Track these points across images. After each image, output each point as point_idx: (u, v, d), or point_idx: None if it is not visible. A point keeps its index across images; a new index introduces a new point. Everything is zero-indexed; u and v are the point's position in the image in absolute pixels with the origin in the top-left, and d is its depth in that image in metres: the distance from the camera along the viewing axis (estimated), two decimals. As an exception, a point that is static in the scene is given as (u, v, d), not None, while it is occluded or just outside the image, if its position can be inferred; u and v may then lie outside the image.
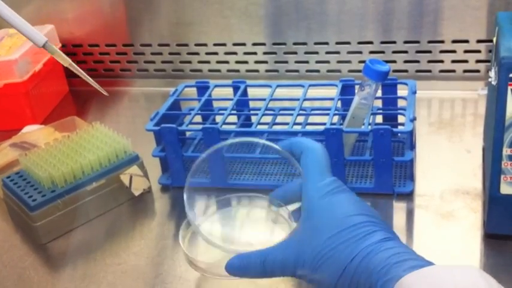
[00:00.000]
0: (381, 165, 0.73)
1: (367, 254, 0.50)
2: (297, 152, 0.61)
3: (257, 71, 1.11)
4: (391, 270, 0.48)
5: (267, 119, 0.85)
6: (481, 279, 0.44)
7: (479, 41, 0.99)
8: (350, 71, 1.06)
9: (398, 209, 0.74)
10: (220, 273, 0.61)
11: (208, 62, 1.12)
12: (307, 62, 1.08)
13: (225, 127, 0.80)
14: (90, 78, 0.68)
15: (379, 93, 0.83)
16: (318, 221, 0.55)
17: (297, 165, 0.61)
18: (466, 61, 1.01)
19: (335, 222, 0.54)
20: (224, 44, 1.10)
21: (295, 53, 1.08)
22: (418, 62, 1.03)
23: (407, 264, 0.48)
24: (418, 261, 0.49)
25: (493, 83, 0.63)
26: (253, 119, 0.87)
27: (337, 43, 1.05)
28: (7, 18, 0.62)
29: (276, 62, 1.09)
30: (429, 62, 1.03)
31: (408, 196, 0.75)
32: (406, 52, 1.03)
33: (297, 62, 1.08)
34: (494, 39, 0.68)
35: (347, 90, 0.85)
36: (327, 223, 0.54)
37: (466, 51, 1.00)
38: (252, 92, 0.90)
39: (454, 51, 1.01)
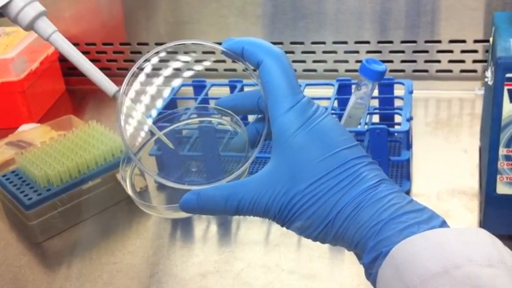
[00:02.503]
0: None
1: (356, 206, 0.43)
2: (253, 59, 0.47)
3: (254, 70, 1.10)
4: (384, 229, 0.41)
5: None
6: (493, 248, 0.39)
7: (476, 41, 0.99)
8: (347, 70, 1.06)
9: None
10: (174, 213, 0.51)
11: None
12: (304, 61, 1.08)
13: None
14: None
15: (376, 92, 0.83)
16: (297, 159, 0.45)
17: (252, 73, 0.48)
18: (463, 61, 1.01)
19: (319, 162, 0.44)
20: (221, 43, 1.10)
21: (293, 52, 1.08)
22: (415, 61, 1.03)
23: (403, 221, 0.41)
24: (415, 213, 0.42)
25: (489, 83, 0.63)
26: (250, 118, 0.86)
27: (334, 43, 1.05)
28: (77, 63, 0.57)
29: (273, 61, 1.09)
30: (426, 61, 1.02)
31: (404, 196, 0.75)
32: (403, 52, 1.03)
33: (294, 61, 1.08)
34: (491, 40, 0.68)
35: (344, 90, 0.84)
36: (309, 163, 0.44)
37: (463, 51, 1.00)
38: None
39: (451, 51, 1.01)
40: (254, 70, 0.47)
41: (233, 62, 1.02)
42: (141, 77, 0.51)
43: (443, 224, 0.42)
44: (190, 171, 0.62)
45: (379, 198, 0.42)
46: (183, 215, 0.50)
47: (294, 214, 0.44)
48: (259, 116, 0.49)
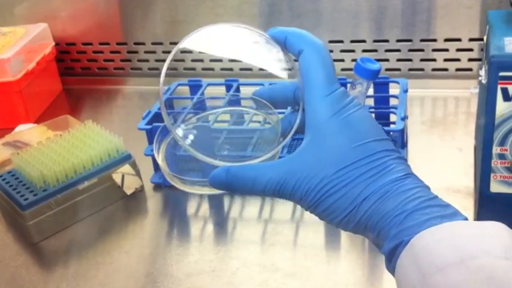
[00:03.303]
0: (372, 163, 0.73)
1: (382, 195, 0.44)
2: (294, 48, 0.48)
3: (250, 69, 1.11)
4: (407, 219, 0.42)
5: (259, 117, 0.85)
6: (510, 240, 0.39)
7: (471, 40, 0.99)
8: (343, 69, 1.06)
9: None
10: (203, 188, 0.53)
11: (201, 60, 1.12)
12: (300, 60, 1.08)
13: (217, 125, 0.80)
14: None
15: (372, 91, 0.83)
16: (329, 145, 0.46)
17: (293, 62, 0.49)
18: (458, 60, 1.01)
19: (348, 150, 0.45)
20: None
21: (289, 51, 1.08)
22: (410, 60, 1.03)
23: (427, 213, 0.42)
24: (438, 207, 0.43)
25: (483, 81, 0.63)
26: (246, 117, 0.87)
27: (330, 41, 1.05)
28: None
29: (269, 60, 1.09)
30: (422, 60, 1.03)
31: (400, 194, 0.75)
32: (398, 51, 1.03)
33: (290, 60, 1.08)
34: (485, 38, 0.68)
35: (339, 89, 0.84)
36: (338, 150, 0.46)
37: (458, 50, 1.01)
38: (244, 90, 0.90)
39: (446, 50, 1.01)
40: (295, 60, 0.48)
41: (229, 61, 1.03)
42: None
43: (466, 220, 0.42)
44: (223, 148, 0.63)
45: (405, 190, 0.43)
46: (212, 191, 0.50)
47: (320, 198, 0.45)
48: (295, 108, 0.50)
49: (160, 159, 0.57)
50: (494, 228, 0.40)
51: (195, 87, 0.90)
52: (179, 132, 0.56)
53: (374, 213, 0.44)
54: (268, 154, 0.49)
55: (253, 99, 0.54)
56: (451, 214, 0.42)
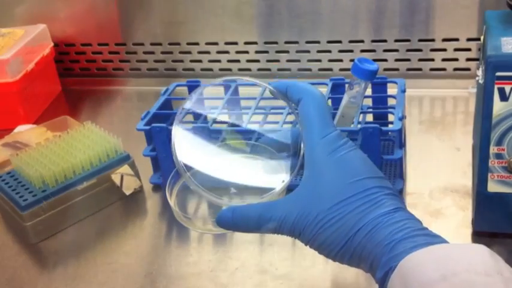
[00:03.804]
0: (370, 163, 0.74)
1: (374, 226, 0.47)
2: (294, 97, 0.54)
3: (249, 69, 1.11)
4: (396, 247, 0.46)
5: (258, 117, 0.86)
6: (492, 261, 0.42)
7: (469, 39, 0.99)
8: (341, 69, 1.06)
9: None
10: (210, 228, 0.58)
11: (200, 61, 1.13)
12: (298, 60, 1.08)
13: (216, 126, 0.80)
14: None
15: (370, 92, 0.83)
16: (323, 183, 0.50)
17: (294, 111, 0.55)
18: (456, 59, 1.01)
19: (342, 187, 0.49)
20: (216, 43, 1.10)
21: (287, 51, 1.08)
22: (409, 60, 1.03)
23: (414, 240, 0.46)
24: (426, 237, 0.47)
25: (480, 81, 0.63)
26: (245, 117, 0.87)
27: (329, 42, 1.05)
28: None
29: (268, 60, 1.10)
30: (420, 60, 1.03)
31: (398, 194, 0.76)
32: (397, 51, 1.03)
33: (288, 60, 1.09)
34: (482, 38, 0.68)
35: (337, 89, 0.85)
36: (333, 187, 0.50)
37: (456, 50, 1.01)
38: (243, 91, 0.90)
39: (444, 50, 1.01)
40: (296, 109, 0.55)
41: (228, 61, 1.03)
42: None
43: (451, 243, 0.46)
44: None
45: (394, 222, 0.47)
46: (221, 230, 0.55)
47: (318, 231, 0.49)
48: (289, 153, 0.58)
49: (172, 203, 0.62)
50: (476, 249, 0.43)
51: (193, 88, 0.90)
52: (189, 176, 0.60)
53: (367, 243, 0.47)
54: (272, 196, 0.55)
55: (260, 145, 0.62)
56: (439, 242, 0.46)
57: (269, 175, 0.62)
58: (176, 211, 0.61)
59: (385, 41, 1.03)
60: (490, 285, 0.40)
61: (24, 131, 0.95)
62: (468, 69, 1.01)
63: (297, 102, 0.54)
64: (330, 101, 0.84)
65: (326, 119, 0.53)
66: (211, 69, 1.13)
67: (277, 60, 1.09)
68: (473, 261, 0.42)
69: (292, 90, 0.55)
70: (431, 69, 1.03)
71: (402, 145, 0.78)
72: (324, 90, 0.84)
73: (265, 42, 1.08)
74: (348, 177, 0.50)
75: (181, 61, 1.13)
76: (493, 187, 0.63)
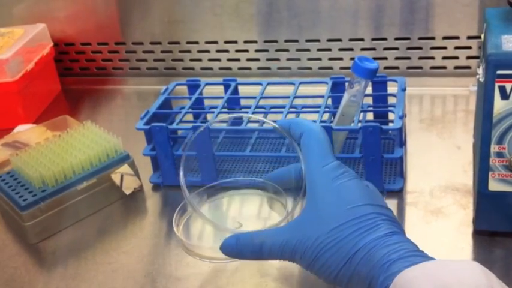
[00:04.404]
0: (371, 162, 0.73)
1: (371, 248, 0.50)
2: (296, 133, 0.59)
3: (249, 68, 1.11)
4: (392, 266, 0.48)
5: (258, 117, 0.85)
6: (483, 275, 0.44)
7: (469, 37, 0.99)
8: (341, 68, 1.06)
9: (389, 206, 0.74)
10: (216, 256, 0.60)
11: (200, 60, 1.12)
12: (298, 59, 1.08)
13: (216, 125, 0.80)
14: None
15: (370, 90, 0.83)
16: (323, 209, 0.53)
17: (295, 146, 0.59)
18: (456, 57, 1.01)
19: (341, 212, 0.52)
20: (216, 42, 1.10)
21: (287, 50, 1.08)
22: (409, 58, 1.03)
23: (410, 260, 0.48)
24: (421, 257, 0.48)
25: (480, 79, 0.63)
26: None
27: (329, 40, 1.05)
28: None
29: (268, 59, 1.09)
30: (420, 58, 1.03)
31: (398, 193, 0.76)
32: (397, 49, 1.03)
33: (288, 59, 1.09)
34: (483, 36, 0.68)
35: (337, 88, 0.85)
36: (332, 212, 0.53)
37: (456, 48, 1.01)
38: (243, 90, 0.90)
39: (444, 48, 1.01)
40: (298, 144, 0.59)
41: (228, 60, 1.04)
42: None
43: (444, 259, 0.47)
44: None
45: (391, 244, 0.50)
46: (228, 259, 0.58)
47: (317, 254, 0.52)
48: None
49: (179, 233, 0.64)
50: (468, 264, 0.45)
51: (193, 87, 0.90)
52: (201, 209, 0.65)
53: (365, 264, 0.49)
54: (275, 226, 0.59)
55: (264, 183, 0.66)
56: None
57: (273, 209, 0.66)
58: (184, 241, 0.63)
59: (385, 39, 1.03)
60: None
61: (24, 131, 0.95)
62: (469, 68, 1.01)
63: (299, 137, 0.58)
64: (330, 100, 0.84)
65: (326, 150, 0.56)
66: (211, 68, 1.12)
67: (277, 59, 1.09)
68: (465, 275, 0.44)
69: (295, 127, 0.59)
70: (432, 68, 1.03)
71: (402, 144, 0.77)
72: (324, 88, 0.84)
73: (265, 41, 1.08)
74: (346, 204, 0.53)
75: (181, 60, 1.13)
76: (493, 186, 0.63)
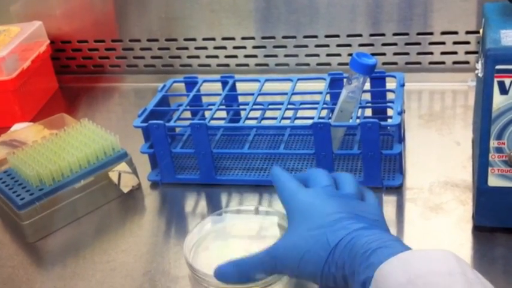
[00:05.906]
0: (369, 158, 0.73)
1: (351, 239, 0.52)
2: (278, 193, 0.62)
3: (247, 65, 1.10)
4: (372, 256, 0.49)
5: (256, 113, 0.85)
6: (455, 263, 0.45)
7: (468, 32, 0.99)
8: (340, 64, 1.06)
9: (388, 203, 0.74)
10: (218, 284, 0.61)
11: (197, 56, 1.12)
12: (296, 55, 1.08)
13: (214, 122, 0.80)
14: None
15: (368, 86, 0.83)
16: (302, 216, 0.56)
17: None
18: (455, 53, 1.01)
19: (319, 217, 0.55)
20: (213, 39, 1.10)
21: (285, 46, 1.07)
22: (407, 54, 1.03)
23: (388, 250, 0.49)
24: (399, 247, 0.50)
25: (479, 75, 0.63)
26: (242, 113, 0.86)
27: (327, 36, 1.05)
28: None
29: (266, 56, 1.09)
30: (418, 54, 1.02)
31: (397, 189, 0.75)
32: (395, 44, 1.02)
33: (286, 55, 1.08)
34: (481, 31, 0.68)
35: (336, 84, 0.84)
36: (311, 218, 0.56)
37: (455, 43, 1.00)
38: (240, 87, 0.90)
39: (443, 43, 1.01)
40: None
41: (225, 57, 1.04)
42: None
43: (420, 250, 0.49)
44: None
45: (370, 234, 0.52)
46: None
47: (303, 248, 0.54)
48: None
49: (192, 264, 0.64)
50: (442, 253, 0.47)
51: (190, 84, 0.90)
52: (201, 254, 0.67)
53: (347, 254, 0.51)
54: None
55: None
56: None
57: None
58: (193, 269, 0.64)
59: (383, 34, 1.02)
60: (452, 284, 0.43)
61: (21, 129, 0.94)
62: (467, 63, 1.01)
63: (277, 192, 0.62)
64: (328, 96, 0.84)
65: (294, 179, 0.61)
66: (208, 65, 1.12)
67: (275, 55, 1.08)
68: (438, 264, 0.45)
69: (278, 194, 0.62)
70: (430, 63, 1.02)
71: (401, 140, 0.77)
72: (322, 85, 0.83)
73: (263, 37, 1.08)
74: (318, 213, 0.56)
75: (179, 57, 1.13)
76: (493, 181, 0.63)
